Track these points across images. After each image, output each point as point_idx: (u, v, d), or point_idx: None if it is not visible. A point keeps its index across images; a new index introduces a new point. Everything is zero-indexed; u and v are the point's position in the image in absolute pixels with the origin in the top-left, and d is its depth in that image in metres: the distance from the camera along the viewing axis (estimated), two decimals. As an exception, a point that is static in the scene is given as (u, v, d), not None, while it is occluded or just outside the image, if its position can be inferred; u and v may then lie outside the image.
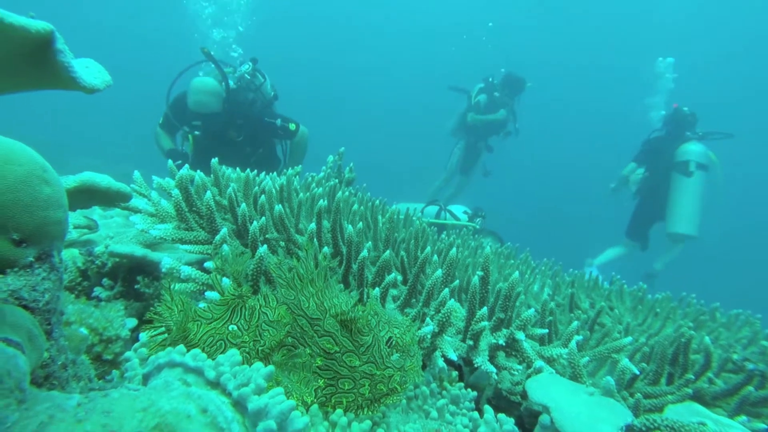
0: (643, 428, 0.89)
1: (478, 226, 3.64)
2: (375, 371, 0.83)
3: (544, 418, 0.86)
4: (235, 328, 0.79)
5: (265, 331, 0.79)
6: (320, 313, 0.83)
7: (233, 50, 4.70)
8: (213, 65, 3.65)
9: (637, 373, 1.13)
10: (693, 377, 1.18)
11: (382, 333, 0.85)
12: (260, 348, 0.77)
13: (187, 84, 3.70)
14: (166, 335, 0.78)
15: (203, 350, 0.73)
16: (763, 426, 1.02)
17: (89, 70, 0.50)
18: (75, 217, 1.51)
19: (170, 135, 3.92)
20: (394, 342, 0.86)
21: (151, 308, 0.80)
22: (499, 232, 3.62)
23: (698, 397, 1.21)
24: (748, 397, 1.15)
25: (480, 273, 1.17)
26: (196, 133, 3.63)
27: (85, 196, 1.23)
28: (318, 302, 0.84)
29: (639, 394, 1.05)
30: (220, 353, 0.73)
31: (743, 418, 1.04)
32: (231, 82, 3.61)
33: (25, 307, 0.58)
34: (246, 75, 3.69)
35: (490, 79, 5.90)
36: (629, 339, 1.22)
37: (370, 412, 0.83)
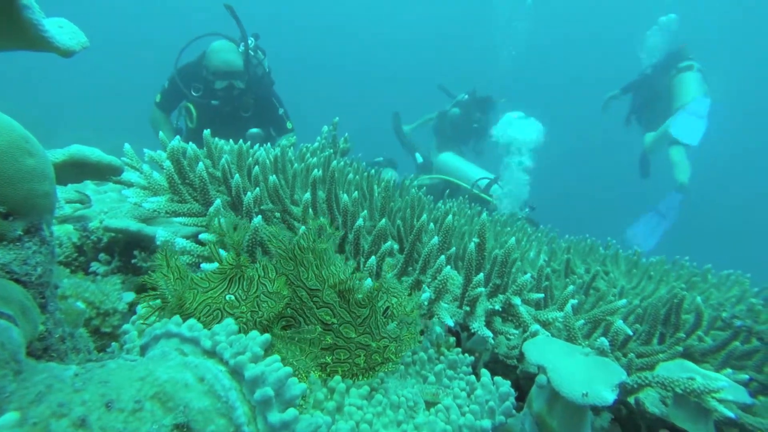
0: (635, 385, 0.92)
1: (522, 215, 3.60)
2: (371, 342, 0.84)
3: (540, 378, 0.88)
4: (233, 297, 0.78)
5: (264, 302, 0.79)
6: (319, 284, 0.83)
7: None
8: (223, 35, 3.62)
9: (630, 333, 1.15)
10: (684, 336, 1.21)
11: (380, 303, 0.86)
12: (258, 319, 0.77)
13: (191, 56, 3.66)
14: (159, 302, 0.77)
15: (199, 320, 0.73)
16: (746, 377, 1.06)
17: (63, 30, 0.47)
18: (67, 192, 1.49)
19: (167, 113, 3.85)
20: (390, 312, 0.86)
21: (146, 275, 0.79)
22: (536, 218, 3.60)
23: (688, 355, 1.24)
24: (734, 352, 1.19)
25: (476, 240, 1.17)
26: (214, 102, 3.59)
27: (75, 170, 1.21)
28: (316, 272, 0.84)
29: (632, 354, 1.07)
30: (217, 323, 0.73)
31: (728, 371, 1.08)
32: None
33: (17, 281, 0.58)
34: (249, 51, 3.63)
35: (475, 92, 5.79)
36: (623, 302, 1.23)
37: (365, 380, 0.84)
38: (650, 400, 1.01)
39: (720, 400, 0.86)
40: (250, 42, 3.65)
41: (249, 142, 1.63)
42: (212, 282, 0.80)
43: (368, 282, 0.92)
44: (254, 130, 3.62)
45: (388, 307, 0.87)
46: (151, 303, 0.77)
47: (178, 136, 1.44)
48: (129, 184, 1.33)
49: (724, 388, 0.86)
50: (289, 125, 3.92)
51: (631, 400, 1.03)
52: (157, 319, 0.75)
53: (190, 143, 1.45)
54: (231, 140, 1.72)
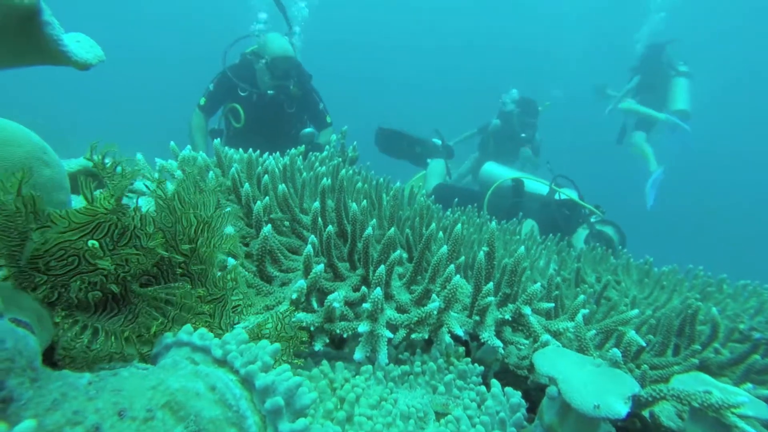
0: (650, 398, 0.90)
1: (602, 215, 3.45)
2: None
3: (551, 390, 0.87)
4: (97, 244, 0.64)
5: (134, 258, 0.67)
6: (189, 252, 0.75)
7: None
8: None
9: (644, 345, 1.13)
10: (699, 348, 1.18)
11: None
12: (122, 273, 0.65)
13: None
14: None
15: (48, 263, 0.60)
16: None
17: (81, 45, 0.49)
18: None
19: (209, 116, 3.88)
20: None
21: None
22: (620, 225, 3.37)
23: (704, 367, 1.22)
24: (754, 365, 1.16)
25: (485, 248, 1.16)
26: (270, 92, 3.69)
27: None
28: (192, 236, 0.75)
29: (645, 366, 1.05)
30: (71, 270, 0.61)
31: (749, 385, 1.05)
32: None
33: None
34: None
35: (505, 108, 5.70)
36: (636, 312, 1.22)
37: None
38: (665, 414, 0.99)
39: (741, 416, 0.84)
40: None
41: (258, 151, 1.65)
42: (73, 222, 0.64)
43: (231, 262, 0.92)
44: (308, 129, 3.65)
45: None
46: None
47: (189, 146, 1.46)
48: (141, 194, 1.34)
49: (745, 403, 0.83)
50: (328, 119, 3.96)
51: (645, 413, 1.01)
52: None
53: (201, 152, 1.47)
54: (240, 149, 1.73)
